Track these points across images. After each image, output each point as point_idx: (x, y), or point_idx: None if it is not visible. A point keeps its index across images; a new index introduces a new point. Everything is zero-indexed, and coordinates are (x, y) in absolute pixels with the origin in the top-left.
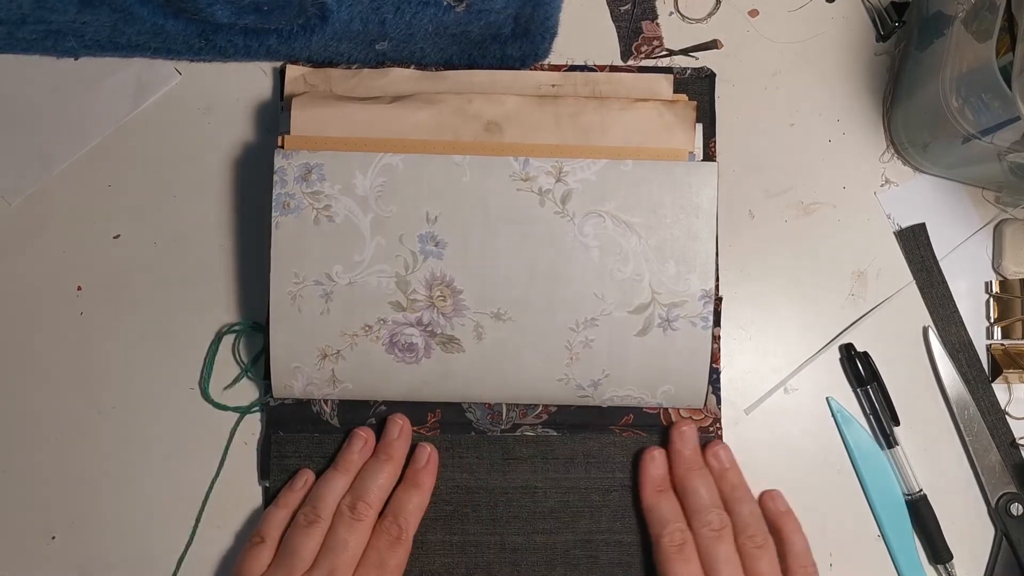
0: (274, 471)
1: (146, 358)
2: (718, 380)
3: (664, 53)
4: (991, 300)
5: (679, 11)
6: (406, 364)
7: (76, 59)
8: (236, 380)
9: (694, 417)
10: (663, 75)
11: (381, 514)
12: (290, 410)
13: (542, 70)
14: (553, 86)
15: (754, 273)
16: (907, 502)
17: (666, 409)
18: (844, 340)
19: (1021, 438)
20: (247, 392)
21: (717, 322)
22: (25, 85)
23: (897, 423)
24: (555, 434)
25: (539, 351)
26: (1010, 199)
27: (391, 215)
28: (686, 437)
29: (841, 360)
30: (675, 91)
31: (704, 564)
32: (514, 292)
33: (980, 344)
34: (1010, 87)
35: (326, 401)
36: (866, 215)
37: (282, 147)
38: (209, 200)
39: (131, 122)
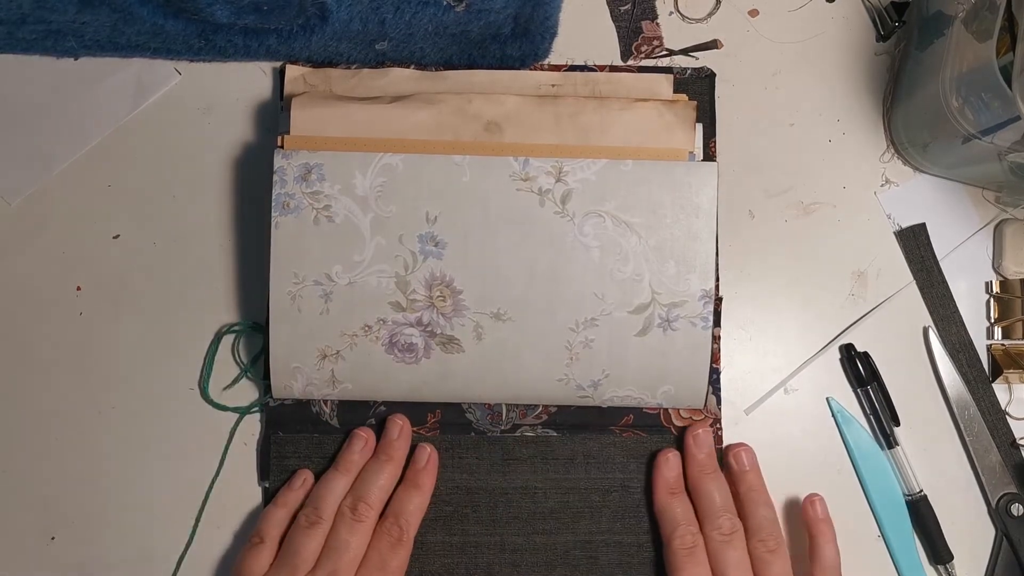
0: (274, 471)
1: (146, 358)
2: (718, 380)
3: (664, 53)
4: (991, 300)
5: (679, 11)
6: (406, 364)
7: (76, 59)
8: (236, 380)
9: (694, 417)
10: (663, 75)
11: (381, 515)
12: (290, 410)
13: (542, 70)
14: (553, 86)
15: (754, 273)
16: (907, 502)
17: (666, 409)
18: (844, 340)
19: (1021, 438)
20: (247, 392)
21: (717, 322)
22: (25, 85)
23: (897, 423)
24: (555, 434)
25: (539, 351)
26: (1010, 199)
27: (391, 215)
28: (700, 440)
29: (841, 360)
30: (675, 91)
31: (714, 568)
32: (514, 292)
33: (980, 344)
34: (1010, 87)
35: (326, 401)
36: (866, 215)
37: (282, 147)
38: (209, 200)
39: (131, 122)
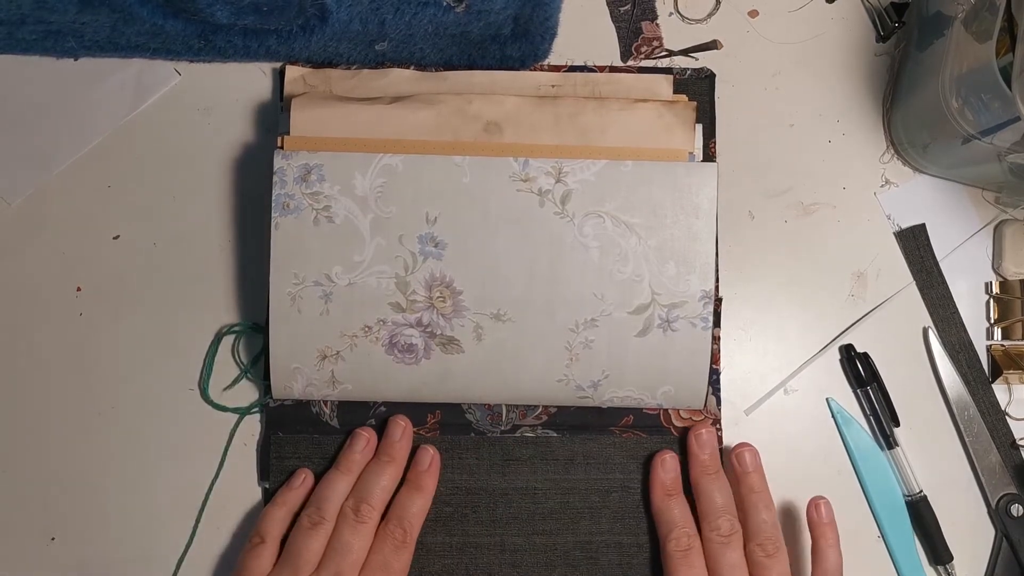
0: (274, 472)
1: (146, 358)
2: (718, 381)
3: (664, 54)
4: (991, 301)
5: (679, 11)
6: (406, 365)
7: (76, 59)
8: (236, 381)
9: (694, 418)
10: (663, 76)
11: (384, 517)
12: (290, 411)
13: (542, 70)
14: (553, 86)
15: (754, 273)
16: (907, 503)
17: (666, 410)
18: (844, 341)
19: (1021, 439)
20: (247, 393)
21: (717, 323)
22: (25, 85)
23: (897, 424)
24: (555, 435)
25: (539, 352)
26: (1010, 199)
27: (391, 216)
28: (703, 441)
29: (841, 361)
30: (675, 92)
31: (710, 570)
32: (514, 293)
33: (980, 345)
34: (1010, 87)
35: (326, 402)
36: (866, 216)
37: (282, 148)
38: (209, 200)
39: (131, 122)
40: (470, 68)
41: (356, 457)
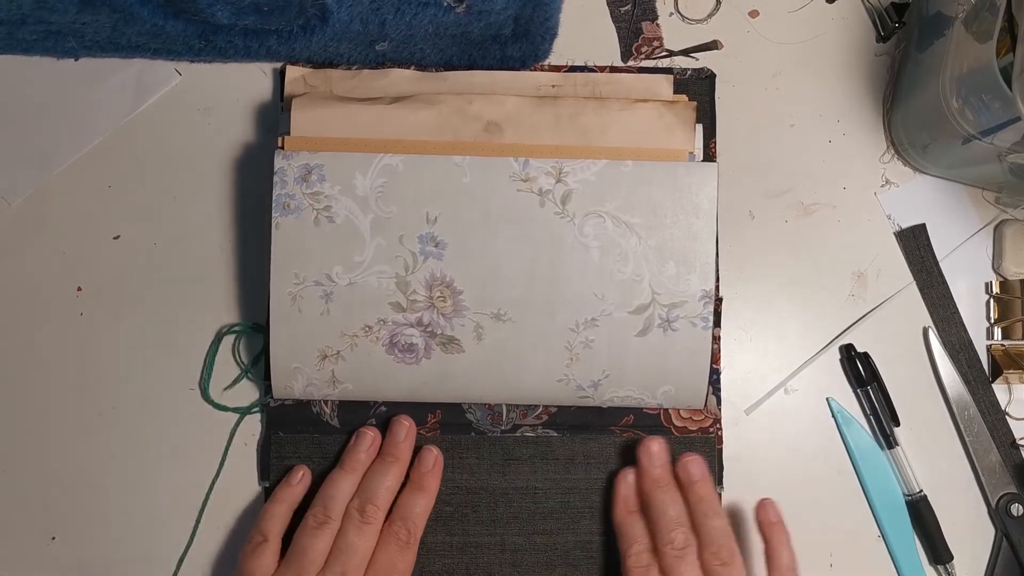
0: (274, 471)
1: (146, 358)
2: (718, 380)
3: (664, 54)
4: (991, 301)
5: (679, 12)
6: (406, 365)
7: (76, 59)
8: (236, 381)
9: (694, 417)
10: (663, 76)
11: (387, 517)
12: (290, 411)
13: (542, 71)
14: (553, 87)
15: (754, 273)
16: (907, 502)
17: (666, 410)
18: (844, 341)
19: (1021, 439)
20: (247, 393)
21: (717, 322)
22: (25, 85)
23: (897, 423)
24: (555, 435)
25: (539, 351)
26: (1010, 199)
27: (391, 216)
28: (652, 453)
29: (841, 361)
30: (675, 92)
31: None
32: (514, 292)
33: (980, 345)
34: (1010, 88)
35: (326, 402)
36: (866, 216)
37: (282, 148)
38: (209, 201)
39: (131, 123)
40: (470, 68)
41: (361, 456)
